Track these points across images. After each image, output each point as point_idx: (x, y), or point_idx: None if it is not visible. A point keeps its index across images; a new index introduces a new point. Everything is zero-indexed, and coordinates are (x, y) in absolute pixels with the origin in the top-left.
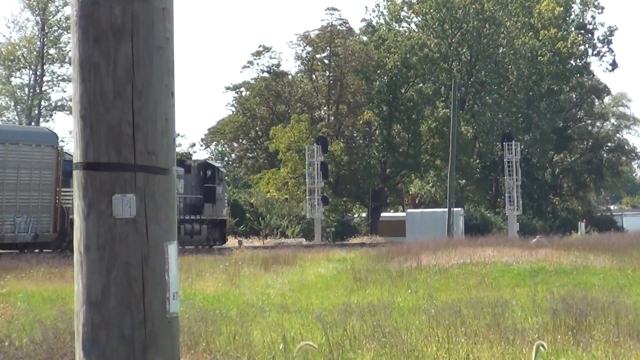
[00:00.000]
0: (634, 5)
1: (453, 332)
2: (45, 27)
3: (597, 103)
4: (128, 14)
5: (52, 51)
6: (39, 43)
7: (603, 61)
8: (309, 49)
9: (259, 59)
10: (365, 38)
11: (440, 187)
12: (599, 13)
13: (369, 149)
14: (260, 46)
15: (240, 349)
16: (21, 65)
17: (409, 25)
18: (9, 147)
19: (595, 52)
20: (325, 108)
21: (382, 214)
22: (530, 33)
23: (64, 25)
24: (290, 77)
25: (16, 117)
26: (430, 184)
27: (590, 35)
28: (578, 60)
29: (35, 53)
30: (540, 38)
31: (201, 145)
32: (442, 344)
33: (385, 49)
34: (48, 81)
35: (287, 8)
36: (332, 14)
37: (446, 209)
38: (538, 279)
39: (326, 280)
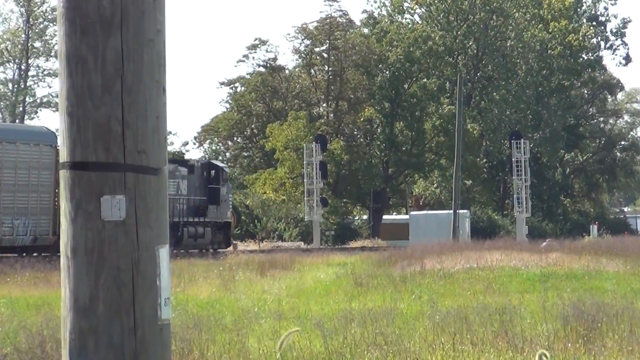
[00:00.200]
0: None
1: (459, 340)
2: (30, 19)
3: (609, 99)
4: (117, 5)
5: (37, 44)
6: (23, 36)
7: (616, 55)
8: (307, 42)
9: (255, 52)
10: (366, 30)
11: (445, 187)
12: (611, 4)
13: (370, 147)
14: (256, 39)
15: (235, 358)
16: (5, 60)
17: (412, 16)
18: (6, 147)
19: (607, 45)
20: (324, 104)
21: (384, 216)
22: (540, 25)
23: (49, 17)
24: (287, 71)
25: None
26: (435, 185)
27: (602, 27)
28: (590, 54)
29: (19, 46)
30: (550, 30)
31: (194, 144)
32: (448, 352)
33: (387, 42)
34: (33, 76)
35: None
36: (331, 5)
37: (451, 211)
38: (548, 284)
39: (325, 286)
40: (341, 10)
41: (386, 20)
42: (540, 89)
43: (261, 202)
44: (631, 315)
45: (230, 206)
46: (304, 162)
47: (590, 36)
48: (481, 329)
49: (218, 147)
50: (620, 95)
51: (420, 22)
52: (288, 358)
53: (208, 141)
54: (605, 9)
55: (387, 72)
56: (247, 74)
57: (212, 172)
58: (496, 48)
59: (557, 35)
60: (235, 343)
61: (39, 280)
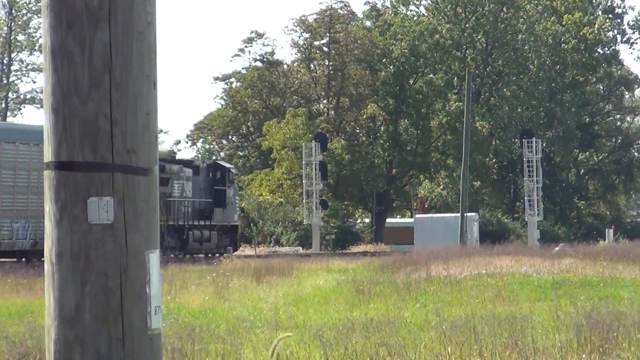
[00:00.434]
0: None
1: (466, 351)
2: (13, 11)
3: (627, 96)
4: None
5: (20, 37)
6: (5, 28)
7: (634, 49)
8: (306, 35)
9: (251, 46)
10: (368, 23)
11: (453, 189)
12: None
13: (373, 147)
14: (252, 32)
15: None
16: None
17: (418, 8)
18: (5, 147)
19: (624, 38)
20: (324, 101)
21: (388, 220)
22: (553, 17)
23: (33, 8)
24: (285, 66)
25: None
26: (441, 186)
27: (619, 20)
28: (606, 48)
29: (1, 40)
30: (563, 23)
31: (187, 142)
32: None
33: (391, 35)
34: (16, 71)
35: None
36: None
37: (459, 214)
38: (561, 292)
39: (325, 293)
40: (342, 2)
41: (390, 12)
42: (553, 84)
43: (257, 204)
44: None
45: (237, 209)
46: (303, 162)
47: (606, 29)
48: (490, 339)
49: (212, 146)
50: (638, 92)
51: (426, 14)
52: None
53: (201, 140)
54: (622, 0)
55: (391, 67)
56: (242, 69)
57: (218, 173)
58: (506, 42)
59: (571, 28)
60: (230, 354)
61: (22, 288)
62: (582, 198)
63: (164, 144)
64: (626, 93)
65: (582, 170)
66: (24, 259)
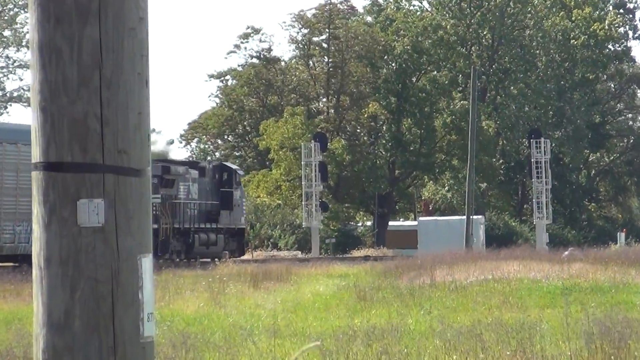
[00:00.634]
0: None
1: None
2: None
3: (639, 94)
4: None
5: (6, 33)
6: None
7: None
8: (304, 30)
9: (247, 42)
10: (370, 18)
11: (458, 191)
12: None
13: (374, 147)
14: (248, 27)
15: None
16: None
17: (421, 3)
18: (7, 148)
19: (636, 35)
20: (324, 99)
21: (390, 223)
22: (562, 13)
23: (20, 3)
24: (283, 63)
25: None
26: (446, 188)
27: (630, 15)
28: (617, 45)
29: None
30: (573, 18)
31: (180, 142)
32: None
33: (393, 31)
34: (2, 68)
35: None
36: None
37: (464, 217)
38: (570, 298)
39: (325, 300)
40: None
41: (392, 7)
42: (562, 82)
43: (254, 206)
44: None
45: (244, 211)
46: (302, 162)
47: (617, 25)
48: (497, 347)
49: (207, 146)
50: None
51: (429, 9)
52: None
53: (196, 140)
54: None
55: (393, 64)
56: (238, 66)
57: (225, 174)
58: (513, 38)
59: (580, 24)
60: None
61: (9, 293)
62: (593, 200)
63: (157, 144)
64: (638, 91)
65: (593, 172)
66: (26, 264)
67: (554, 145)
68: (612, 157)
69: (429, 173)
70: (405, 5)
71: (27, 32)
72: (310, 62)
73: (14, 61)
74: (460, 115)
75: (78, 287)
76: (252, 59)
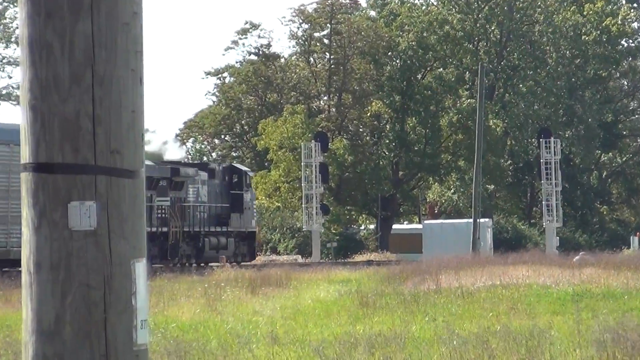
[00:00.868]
0: None
1: None
2: None
3: None
4: None
5: None
6: None
7: None
8: (305, 26)
9: (246, 38)
10: (373, 13)
11: (464, 193)
12: None
13: (377, 147)
14: (246, 23)
15: None
16: None
17: None
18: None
19: None
20: (325, 98)
21: (394, 226)
22: (573, 7)
23: None
24: (283, 60)
25: None
26: (452, 190)
27: None
28: (630, 40)
29: None
30: (584, 13)
31: (175, 142)
32: None
33: (397, 26)
34: None
35: None
36: None
37: (471, 220)
38: (582, 305)
39: (326, 306)
40: None
41: (396, 1)
42: (573, 80)
43: None
44: None
45: (255, 214)
46: (302, 163)
47: (630, 20)
48: (505, 356)
49: (203, 146)
50: None
51: (435, 3)
52: None
53: (192, 139)
54: None
55: (397, 61)
56: (236, 63)
57: (235, 176)
58: (522, 33)
59: (592, 19)
60: None
61: None
62: (605, 203)
63: (151, 144)
64: None
65: (605, 173)
66: (19, 268)
67: (564, 145)
68: (624, 158)
69: (434, 174)
70: None
71: (17, 28)
72: (311, 59)
73: (3, 58)
74: (467, 114)
75: (69, 292)
76: (250, 55)
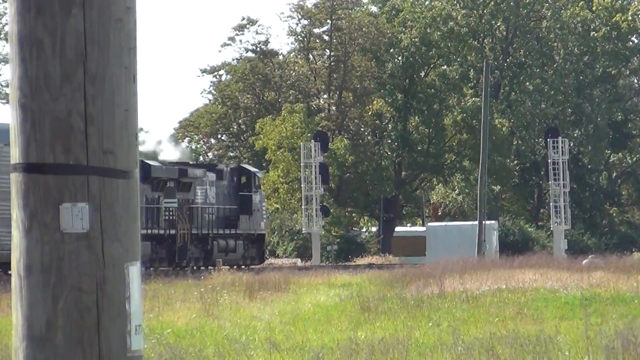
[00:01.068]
0: None
1: None
2: None
3: None
4: None
5: None
6: None
7: None
8: (304, 22)
9: (243, 34)
10: (375, 8)
11: (469, 194)
12: None
13: (379, 147)
14: (244, 19)
15: None
16: None
17: None
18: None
19: None
20: (325, 96)
21: (397, 228)
22: (582, 2)
23: None
24: (281, 57)
25: None
26: (457, 191)
27: None
28: None
29: None
30: (593, 8)
31: (170, 142)
32: None
33: (400, 22)
34: None
35: None
36: None
37: (476, 222)
38: (590, 310)
39: (326, 311)
40: None
41: None
42: (581, 77)
43: None
44: None
45: (264, 216)
46: (301, 163)
47: None
48: None
49: (199, 146)
50: None
51: None
52: None
53: (187, 139)
54: None
55: (399, 58)
56: (233, 60)
57: (243, 177)
58: (529, 29)
59: (601, 14)
60: None
61: None
62: (614, 204)
63: (145, 143)
64: None
65: (614, 174)
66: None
67: (572, 145)
68: (635, 158)
69: (438, 175)
70: None
71: (6, 24)
72: (311, 56)
73: None
74: (472, 113)
75: (61, 297)
76: (247, 52)
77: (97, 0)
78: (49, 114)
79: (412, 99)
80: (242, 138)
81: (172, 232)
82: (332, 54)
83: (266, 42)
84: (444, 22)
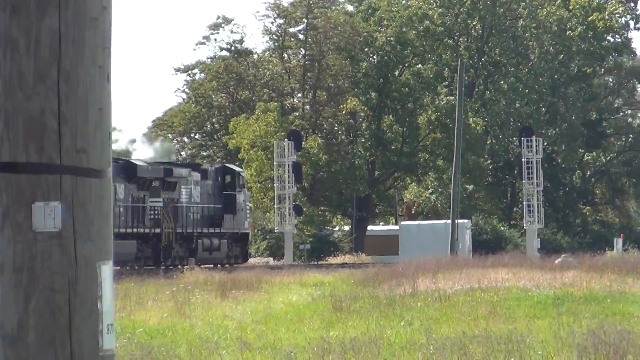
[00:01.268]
0: None
1: None
2: None
3: (638, 89)
4: None
5: None
6: None
7: None
8: (280, 21)
9: (217, 33)
10: (350, 7)
11: (442, 193)
12: None
13: (353, 146)
14: (218, 17)
15: None
16: None
17: None
18: None
19: (638, 25)
20: (299, 95)
21: (369, 227)
22: (558, 1)
23: None
24: (255, 56)
25: None
26: (430, 190)
27: (632, 4)
28: (617, 36)
29: None
30: (570, 7)
31: (143, 142)
32: None
33: (375, 21)
34: None
35: None
36: None
37: (449, 221)
38: (563, 309)
39: (298, 310)
40: None
41: None
42: (556, 76)
43: None
44: None
45: (248, 215)
46: (275, 162)
47: (617, 15)
48: None
49: (172, 145)
50: None
51: None
52: None
53: (160, 138)
54: None
55: (374, 57)
56: (207, 59)
57: (228, 177)
58: (505, 28)
59: (578, 13)
60: None
61: None
62: (588, 203)
63: (118, 142)
64: (638, 86)
65: (588, 173)
66: None
67: (546, 144)
68: (609, 157)
69: (412, 174)
70: None
71: None
72: (285, 55)
73: None
74: (446, 112)
75: (33, 297)
76: (222, 51)
77: (72, 0)
78: (22, 113)
79: (386, 98)
80: (215, 137)
81: (158, 231)
82: (306, 53)
83: (241, 41)
84: (419, 21)
